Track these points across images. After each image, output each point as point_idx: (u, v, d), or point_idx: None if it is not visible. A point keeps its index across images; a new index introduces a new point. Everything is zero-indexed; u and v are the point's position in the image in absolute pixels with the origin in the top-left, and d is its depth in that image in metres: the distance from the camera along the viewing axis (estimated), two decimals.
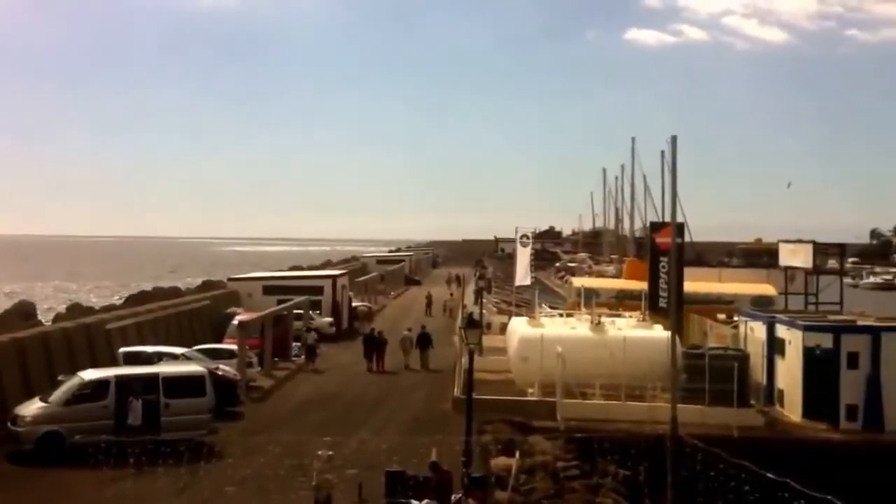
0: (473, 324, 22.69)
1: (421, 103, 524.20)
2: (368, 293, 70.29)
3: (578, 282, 56.05)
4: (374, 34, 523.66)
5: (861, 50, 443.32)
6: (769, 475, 19.58)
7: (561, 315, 35.21)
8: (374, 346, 40.58)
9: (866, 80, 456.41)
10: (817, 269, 45.63)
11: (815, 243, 45.74)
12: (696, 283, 45.02)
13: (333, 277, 55.77)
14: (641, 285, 40.46)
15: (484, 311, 44.51)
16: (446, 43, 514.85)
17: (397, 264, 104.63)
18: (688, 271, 41.30)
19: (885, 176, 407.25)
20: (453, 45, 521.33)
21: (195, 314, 44.76)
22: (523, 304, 47.54)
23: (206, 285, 57.89)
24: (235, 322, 38.48)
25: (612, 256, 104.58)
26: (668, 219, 31.15)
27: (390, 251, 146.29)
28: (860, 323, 30.75)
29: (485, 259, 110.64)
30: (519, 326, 32.61)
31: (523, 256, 44.68)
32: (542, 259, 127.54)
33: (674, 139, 20.84)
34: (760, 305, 41.27)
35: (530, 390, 30.19)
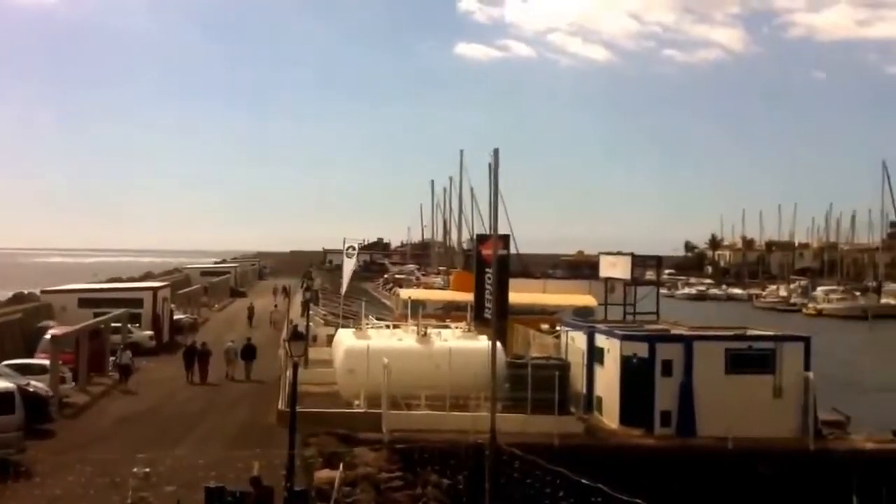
0: (298, 336, 22.30)
1: (245, 111, 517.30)
2: (192, 305, 68.60)
3: (405, 293, 56.26)
4: (192, 40, 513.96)
5: (679, 69, 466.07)
6: (583, 481, 20.05)
7: (388, 327, 35.18)
8: (195, 358, 39.59)
9: (683, 98, 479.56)
10: (635, 281, 47.24)
11: (633, 256, 47.32)
12: (521, 294, 45.91)
13: (154, 289, 54.15)
14: (468, 297, 40.91)
15: (311, 322, 44.01)
16: (267, 50, 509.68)
17: (222, 276, 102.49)
18: (513, 283, 42.00)
19: (699, 190, 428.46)
20: (274, 52, 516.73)
21: (5, 328, 42.59)
22: (351, 315, 47.26)
23: (17, 298, 54.99)
24: (48, 336, 36.76)
25: (441, 268, 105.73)
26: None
27: (215, 262, 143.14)
28: (674, 332, 32.05)
29: (312, 270, 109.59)
30: (345, 338, 32.40)
31: (349, 268, 44.49)
32: (370, 270, 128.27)
33: (496, 152, 21.17)
34: (582, 316, 42.48)
35: (356, 402, 29.98)
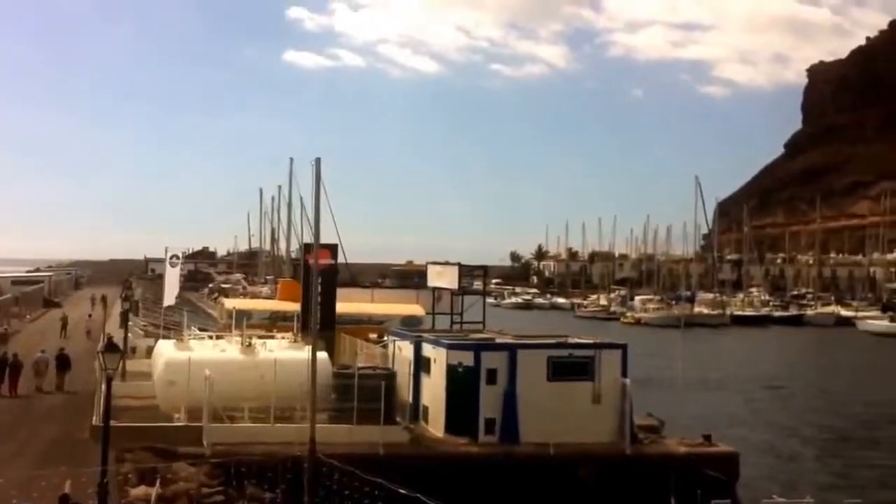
0: (112, 347, 21.39)
1: (65, 116, 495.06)
2: (2, 316, 64.99)
3: (230, 303, 54.98)
4: (21, 45, 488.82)
5: (506, 83, 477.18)
6: (401, 490, 20.01)
7: (211, 337, 34.22)
8: (5, 370, 37.44)
9: (510, 112, 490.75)
10: (463, 290, 47.76)
11: (460, 265, 47.82)
12: (349, 303, 45.68)
13: None
14: (295, 306, 40.41)
15: (129, 333, 42.37)
16: (104, 52, 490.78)
17: (35, 285, 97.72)
18: (341, 292, 41.74)
19: (526, 202, 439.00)
20: (113, 56, 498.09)
21: None
22: (172, 326, 45.76)
23: None
24: None
25: (268, 277, 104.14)
26: (322, 240, 31.38)
27: (28, 272, 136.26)
28: (499, 341, 32.49)
29: (133, 279, 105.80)
30: (165, 349, 31.30)
31: (172, 277, 43.10)
32: (195, 280, 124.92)
33: (317, 161, 21.01)
34: (409, 325, 42.58)
35: (177, 415, 28.98)
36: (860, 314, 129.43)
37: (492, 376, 29.46)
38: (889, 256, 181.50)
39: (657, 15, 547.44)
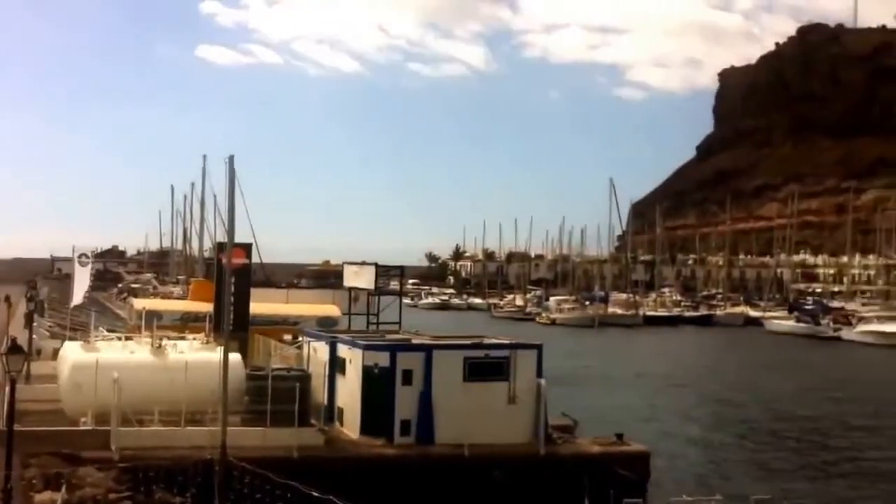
0: (17, 349, 20.74)
1: None
2: None
3: (140, 303, 53.88)
4: None
5: (425, 83, 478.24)
6: (313, 493, 19.83)
7: (120, 339, 33.40)
8: None
9: (429, 112, 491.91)
10: (379, 290, 47.60)
11: (377, 265, 47.64)
12: (264, 304, 45.17)
13: None
14: (208, 307, 39.75)
15: (35, 335, 41.16)
16: (12, 43, 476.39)
17: None
18: (256, 292, 41.27)
19: (444, 203, 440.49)
20: (22, 48, 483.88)
21: None
22: (79, 327, 44.59)
23: None
24: None
25: (180, 277, 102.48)
26: (237, 239, 30.92)
27: None
28: (415, 342, 32.41)
29: (38, 279, 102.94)
30: (71, 352, 30.40)
31: (82, 276, 42.01)
32: (104, 280, 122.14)
33: (231, 158, 20.67)
34: (325, 326, 42.29)
35: (83, 419, 28.20)
36: (767, 314, 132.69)
37: (407, 377, 29.36)
38: (795, 258, 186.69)
39: (573, 17, 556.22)
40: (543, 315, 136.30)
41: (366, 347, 30.08)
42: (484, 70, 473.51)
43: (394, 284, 51.90)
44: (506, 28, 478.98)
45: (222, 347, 30.60)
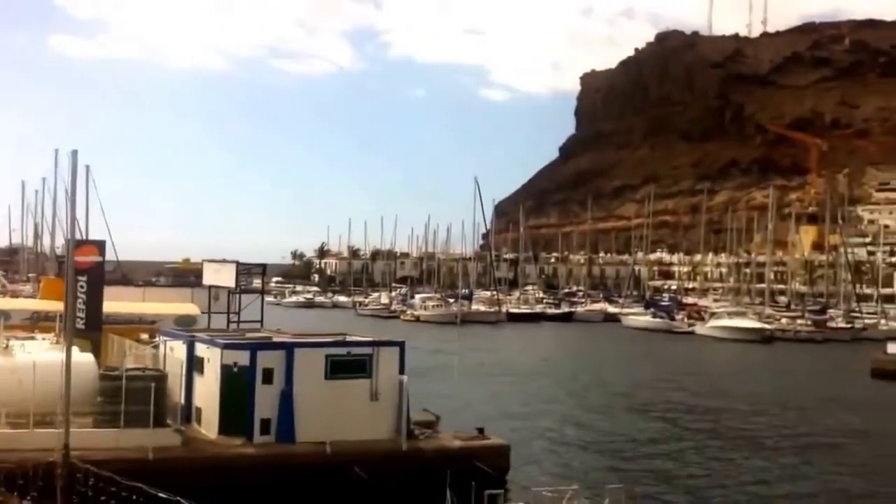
0: None
1: None
2: None
3: None
4: None
5: (292, 80, 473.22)
6: (160, 494, 19.34)
7: None
8: None
9: (296, 109, 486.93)
10: (240, 288, 46.85)
11: (238, 263, 46.85)
12: (119, 302, 43.84)
13: None
14: (58, 306, 38.31)
15: None
16: None
17: None
18: (111, 291, 40.03)
19: (308, 201, 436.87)
20: None
21: None
22: None
23: None
24: None
25: (30, 275, 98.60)
26: (91, 236, 29.92)
27: None
28: (276, 340, 32.02)
29: None
30: None
31: None
32: None
33: (74, 153, 19.93)
34: (183, 325, 41.32)
35: None
36: (625, 311, 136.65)
37: (268, 376, 28.97)
38: (652, 256, 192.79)
39: (439, 17, 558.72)
40: (408, 312, 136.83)
41: (225, 346, 29.53)
42: (350, 68, 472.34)
43: (256, 282, 51.14)
44: (371, 26, 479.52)
45: (76, 347, 29.73)
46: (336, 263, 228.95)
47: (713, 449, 40.66)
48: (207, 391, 29.57)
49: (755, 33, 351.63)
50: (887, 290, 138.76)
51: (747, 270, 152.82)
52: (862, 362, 72.21)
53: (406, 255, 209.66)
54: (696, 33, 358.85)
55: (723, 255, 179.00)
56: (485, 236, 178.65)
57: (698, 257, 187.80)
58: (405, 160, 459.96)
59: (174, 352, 31.31)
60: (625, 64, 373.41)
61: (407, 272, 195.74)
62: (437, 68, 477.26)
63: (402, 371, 30.75)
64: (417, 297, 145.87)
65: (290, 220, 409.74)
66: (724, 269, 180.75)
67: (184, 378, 30.03)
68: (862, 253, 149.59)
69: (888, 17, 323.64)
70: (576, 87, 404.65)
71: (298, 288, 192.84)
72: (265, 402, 28.78)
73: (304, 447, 28.29)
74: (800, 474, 35.74)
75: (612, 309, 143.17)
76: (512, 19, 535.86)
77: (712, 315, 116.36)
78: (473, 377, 63.10)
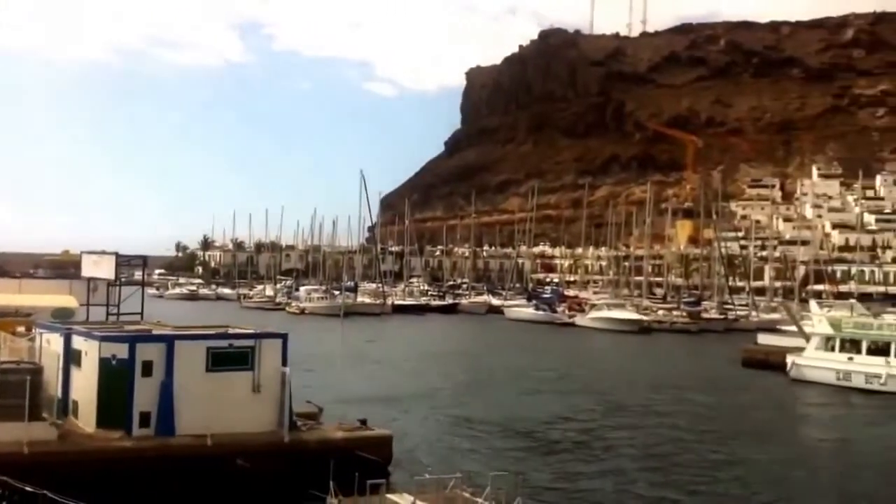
0: None
1: None
2: None
3: None
4: None
5: (175, 71, 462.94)
6: (27, 488, 19.13)
7: None
8: None
9: (178, 100, 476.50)
10: (120, 281, 46.03)
11: (118, 255, 46.01)
12: None
13: None
14: None
15: None
16: None
17: None
18: None
19: (192, 192, 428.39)
20: None
21: None
22: None
23: None
24: None
25: None
26: None
27: None
28: (156, 332, 31.69)
29: None
30: None
31: None
32: None
33: None
34: (61, 317, 40.39)
35: None
36: (508, 303, 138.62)
37: (147, 368, 28.73)
38: (535, 250, 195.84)
39: (323, 10, 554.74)
40: (293, 305, 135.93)
41: (103, 339, 29.16)
42: (236, 60, 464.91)
43: (138, 275, 50.25)
44: (256, 18, 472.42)
45: None
46: (220, 256, 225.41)
47: (594, 433, 42.03)
48: (85, 384, 29.15)
49: (635, 33, 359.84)
50: (758, 283, 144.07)
51: (626, 263, 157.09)
52: (734, 352, 75.09)
53: (292, 247, 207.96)
54: (578, 32, 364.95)
55: (603, 248, 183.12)
56: (371, 229, 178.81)
57: (579, 251, 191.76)
58: (291, 153, 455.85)
59: (51, 344, 30.74)
60: (509, 60, 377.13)
61: (292, 265, 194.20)
62: (323, 62, 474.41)
63: (284, 363, 30.85)
64: (302, 289, 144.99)
65: (175, 213, 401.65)
66: (604, 262, 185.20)
67: (61, 371, 29.55)
68: (735, 247, 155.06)
69: (761, 19, 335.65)
70: (461, 82, 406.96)
71: (182, 280, 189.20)
72: (144, 395, 28.54)
73: (184, 440, 28.17)
74: (668, 452, 37.34)
75: (495, 301, 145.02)
76: (396, 14, 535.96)
77: (592, 307, 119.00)
78: (357, 369, 63.38)
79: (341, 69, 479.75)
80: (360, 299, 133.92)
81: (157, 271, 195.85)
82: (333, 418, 32.99)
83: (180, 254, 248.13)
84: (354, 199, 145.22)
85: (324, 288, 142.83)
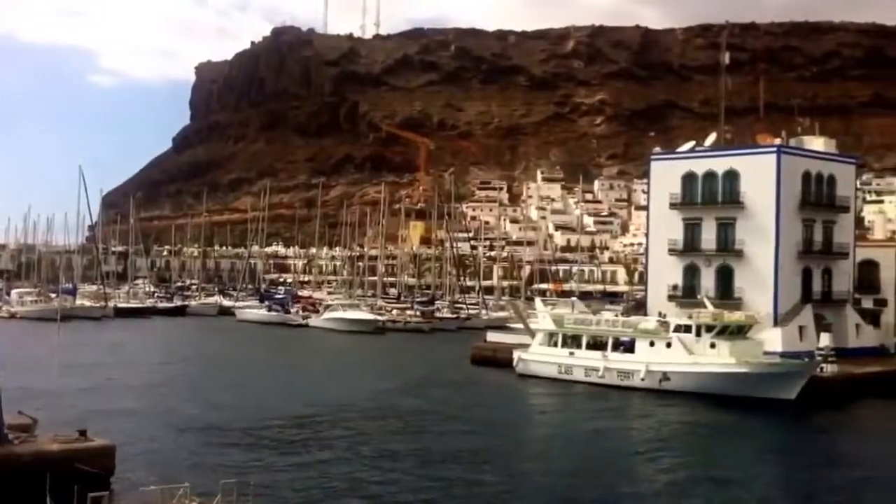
0: None
1: None
2: None
3: None
4: None
5: None
6: None
7: None
8: None
9: None
10: None
11: None
12: None
13: None
14: None
15: None
16: None
17: None
18: None
19: None
20: None
21: None
22: None
23: None
24: None
25: None
26: None
27: None
28: None
29: None
30: None
31: None
32: None
33: None
34: None
35: None
36: (239, 304, 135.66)
37: None
38: (268, 249, 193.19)
39: None
40: (3, 308, 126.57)
41: None
42: None
43: None
44: None
45: None
46: None
47: (324, 433, 41.76)
48: None
49: (368, 35, 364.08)
50: (488, 283, 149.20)
51: (360, 263, 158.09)
52: (464, 350, 76.97)
53: (3, 246, 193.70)
54: (312, 31, 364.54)
55: (337, 248, 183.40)
56: (91, 228, 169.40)
57: (313, 251, 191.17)
58: (3, 146, 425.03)
59: None
60: (241, 56, 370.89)
61: (3, 265, 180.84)
62: (43, 49, 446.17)
63: None
64: (14, 292, 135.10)
65: None
66: (338, 262, 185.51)
67: None
68: (465, 247, 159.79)
69: (488, 27, 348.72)
70: (190, 76, 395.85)
71: None
72: None
73: None
74: (399, 445, 37.47)
75: (226, 302, 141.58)
76: (120, 2, 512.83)
77: (327, 307, 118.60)
78: (75, 376, 59.33)
79: (63, 58, 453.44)
80: (79, 302, 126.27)
81: None
82: (49, 430, 30.56)
83: None
84: (74, 197, 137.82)
85: (38, 290, 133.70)
